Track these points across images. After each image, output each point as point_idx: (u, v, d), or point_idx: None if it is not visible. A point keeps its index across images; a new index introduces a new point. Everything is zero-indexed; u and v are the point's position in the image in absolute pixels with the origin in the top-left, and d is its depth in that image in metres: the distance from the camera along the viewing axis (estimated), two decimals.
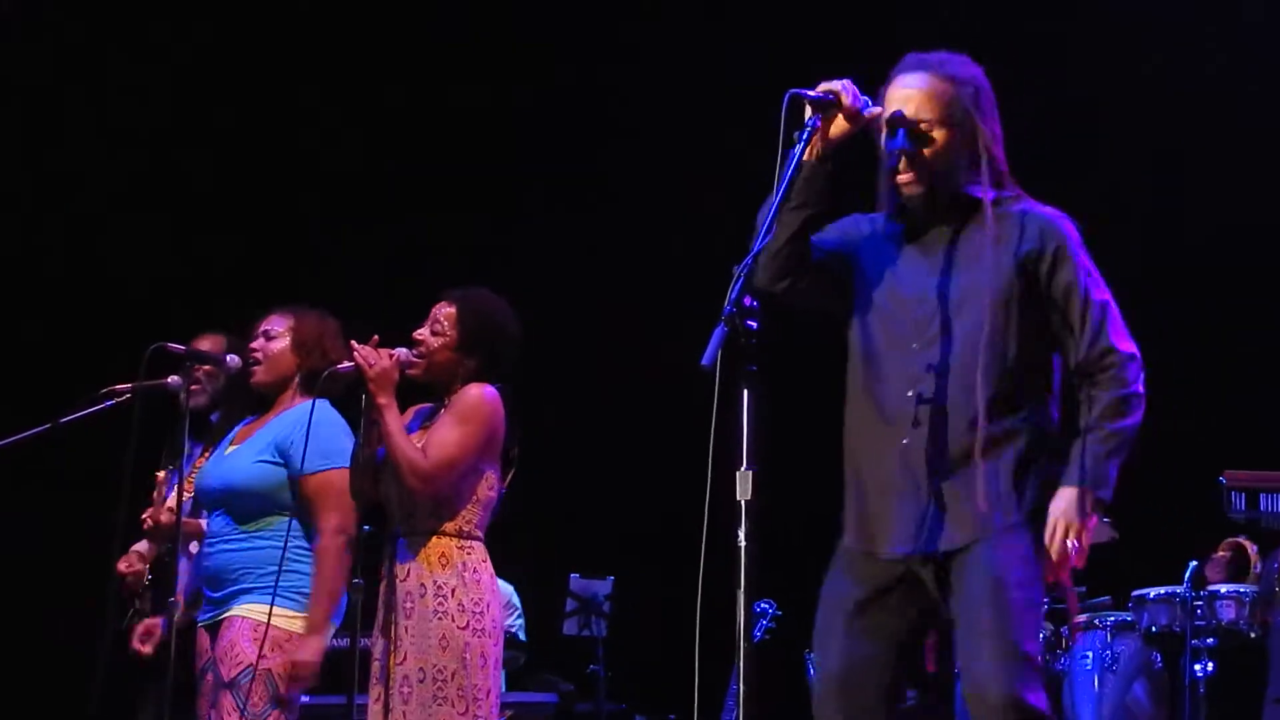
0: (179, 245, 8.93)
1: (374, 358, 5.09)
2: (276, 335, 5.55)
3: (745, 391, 3.60)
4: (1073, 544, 3.82)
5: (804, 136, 3.78)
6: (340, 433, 5.39)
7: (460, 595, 5.09)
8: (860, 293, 4.04)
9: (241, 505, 5.40)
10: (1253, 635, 6.95)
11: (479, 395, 5.16)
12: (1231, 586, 7.02)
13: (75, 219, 8.82)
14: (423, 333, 5.28)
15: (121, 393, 5.77)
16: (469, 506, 5.18)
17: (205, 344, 5.90)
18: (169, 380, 5.71)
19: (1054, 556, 3.82)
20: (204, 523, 5.67)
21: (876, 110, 3.92)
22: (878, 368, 3.98)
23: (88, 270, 8.82)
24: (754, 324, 3.54)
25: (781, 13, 8.36)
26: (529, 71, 8.96)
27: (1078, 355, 3.92)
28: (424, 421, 5.31)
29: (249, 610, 5.31)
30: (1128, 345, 3.93)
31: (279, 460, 5.37)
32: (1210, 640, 6.95)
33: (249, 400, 5.76)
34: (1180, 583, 7.01)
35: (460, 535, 5.16)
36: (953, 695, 7.24)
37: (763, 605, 7.32)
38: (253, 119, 8.97)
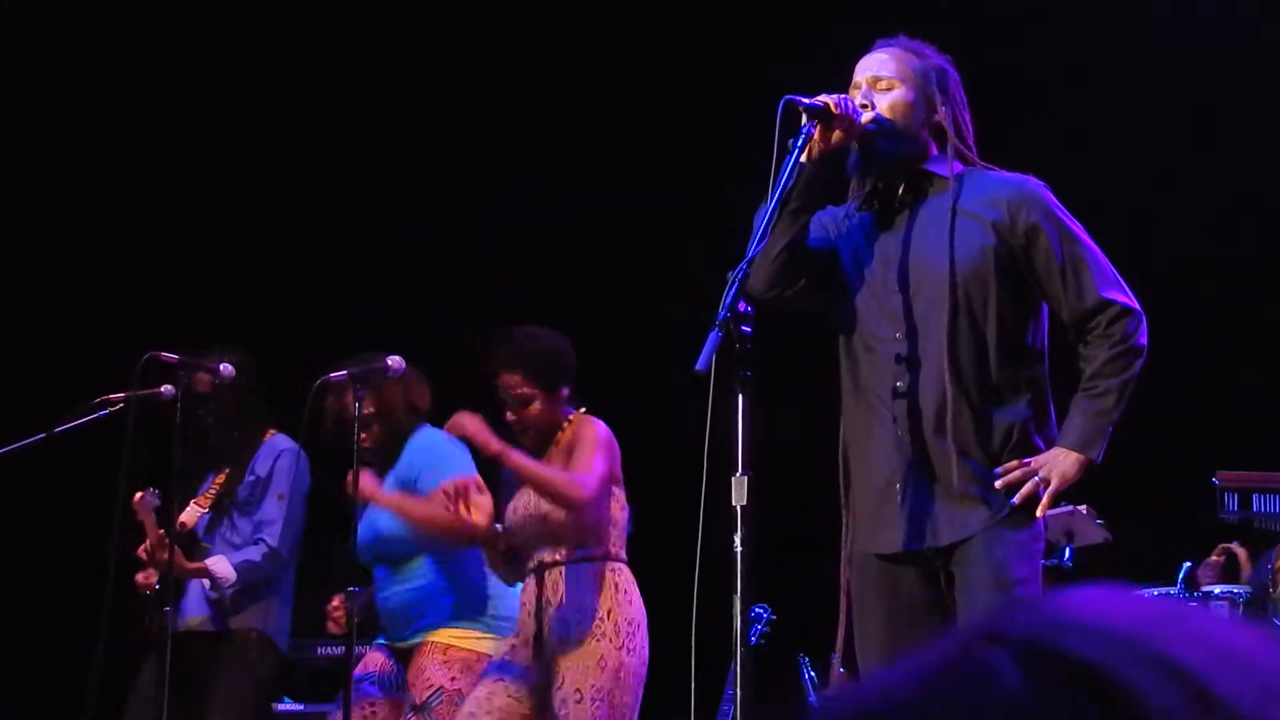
0: (172, 261, 8.92)
1: (476, 428, 5.14)
2: (370, 416, 5.58)
3: (740, 397, 3.60)
4: (1043, 492, 3.79)
5: (799, 142, 3.78)
6: (454, 448, 5.50)
7: (616, 616, 5.22)
8: (843, 288, 4.03)
9: (391, 551, 5.55)
10: None
11: (594, 427, 5.30)
12: (1225, 588, 7.03)
13: (70, 227, 8.81)
14: (511, 416, 5.35)
15: (115, 402, 5.78)
16: (610, 529, 5.32)
17: (212, 357, 5.90)
18: (163, 389, 5.72)
19: (1017, 499, 3.79)
20: (209, 564, 5.73)
21: (869, 117, 3.92)
22: (863, 362, 3.98)
23: (86, 281, 8.80)
24: (748, 329, 3.55)
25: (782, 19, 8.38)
26: (503, 62, 8.96)
27: (1068, 317, 3.89)
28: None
29: (436, 636, 5.52)
30: (1119, 295, 3.88)
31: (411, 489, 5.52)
32: None
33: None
34: (1174, 584, 7.02)
35: (609, 558, 5.30)
36: None
37: (757, 610, 7.31)
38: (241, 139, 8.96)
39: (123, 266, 8.81)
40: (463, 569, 5.58)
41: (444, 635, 5.53)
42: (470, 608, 5.57)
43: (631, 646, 5.20)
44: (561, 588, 5.26)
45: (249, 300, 8.63)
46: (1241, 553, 7.27)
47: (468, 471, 5.41)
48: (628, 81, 8.69)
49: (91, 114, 8.74)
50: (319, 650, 7.16)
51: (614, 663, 5.16)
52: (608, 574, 5.28)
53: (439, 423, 5.47)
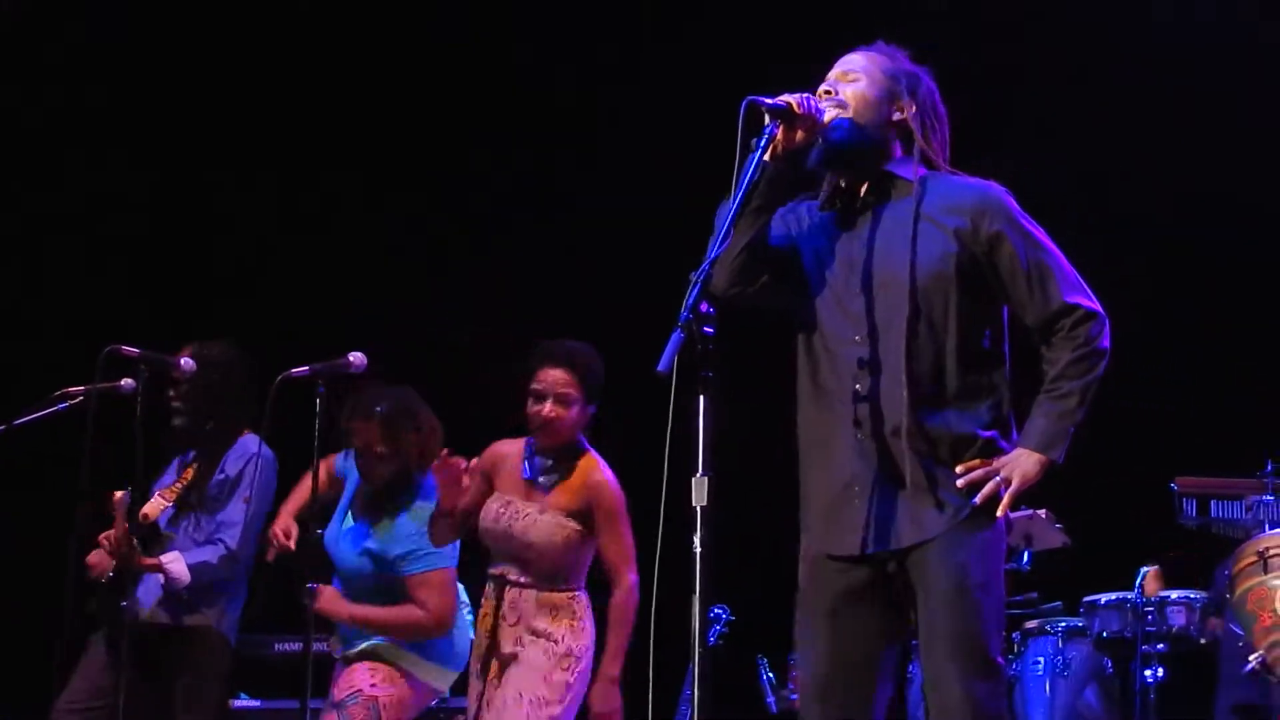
0: (142, 253, 8.89)
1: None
2: (386, 456, 5.63)
3: (701, 398, 3.60)
4: (1004, 492, 3.81)
5: (762, 142, 3.78)
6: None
7: (568, 641, 5.37)
8: (804, 287, 4.02)
9: (358, 587, 5.65)
10: (1202, 641, 7.00)
11: (614, 488, 5.43)
12: (1181, 593, 7.06)
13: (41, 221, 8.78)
14: (550, 409, 5.38)
15: (75, 395, 5.76)
16: (582, 568, 5.50)
17: (186, 353, 5.89)
18: (123, 383, 5.70)
19: (979, 498, 3.80)
20: (164, 562, 5.73)
21: (832, 115, 3.93)
22: (824, 363, 3.97)
23: (46, 275, 8.77)
24: (710, 330, 3.55)
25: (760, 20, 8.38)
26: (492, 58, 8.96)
27: (1032, 321, 3.90)
28: (543, 473, 5.49)
29: (377, 648, 5.62)
30: (1082, 299, 3.90)
31: (386, 568, 5.60)
32: (1161, 646, 6.99)
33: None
34: (1131, 589, 7.05)
35: (572, 589, 5.45)
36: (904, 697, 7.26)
37: (716, 610, 7.31)
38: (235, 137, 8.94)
39: (122, 265, 8.78)
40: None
41: (383, 649, 5.61)
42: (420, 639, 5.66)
43: (576, 670, 5.35)
44: (520, 608, 5.39)
45: (247, 299, 8.61)
46: (1150, 571, 7.31)
47: (448, 564, 5.61)
48: (628, 81, 8.68)
49: (91, 114, 8.71)
50: (276, 646, 7.14)
51: (558, 679, 5.32)
52: (567, 603, 5.41)
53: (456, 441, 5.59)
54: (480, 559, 5.61)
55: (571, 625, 5.38)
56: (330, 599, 5.53)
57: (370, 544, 5.58)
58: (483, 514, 5.46)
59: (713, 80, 8.25)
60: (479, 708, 5.36)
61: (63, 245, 8.70)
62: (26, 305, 8.61)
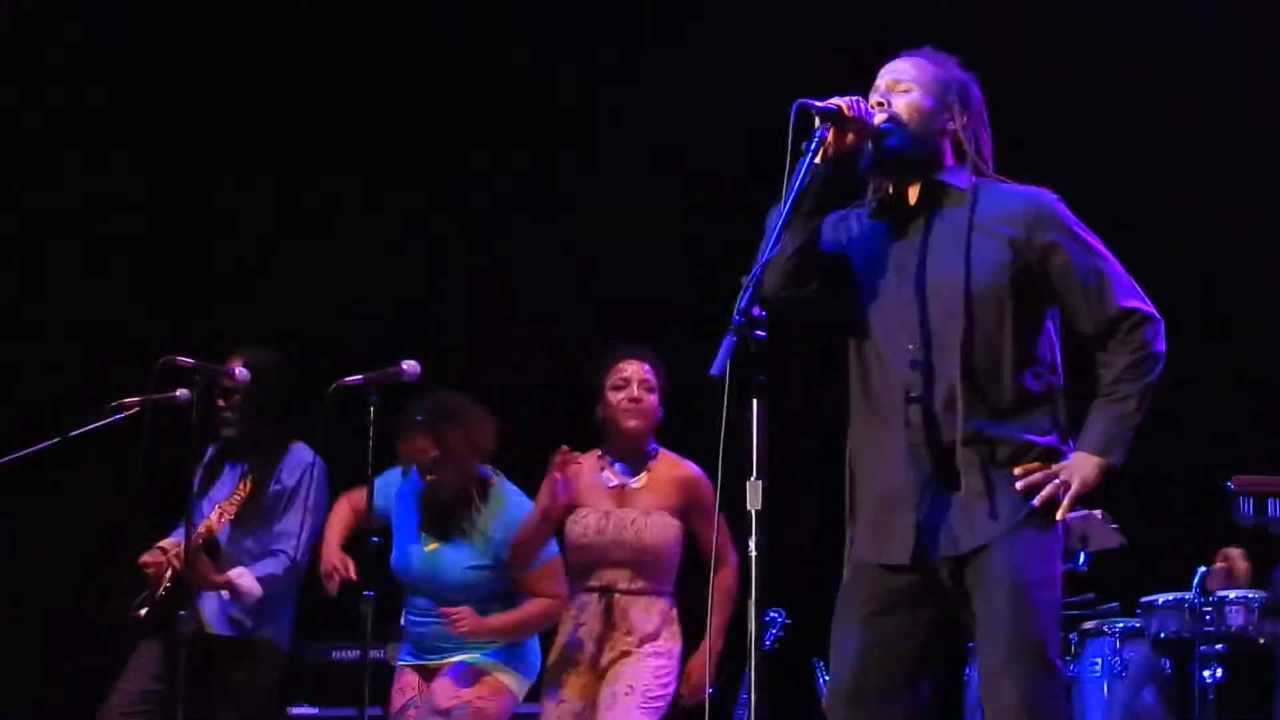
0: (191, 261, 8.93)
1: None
2: (440, 459, 5.72)
3: (754, 401, 3.60)
4: (1063, 495, 3.81)
5: (813, 146, 3.78)
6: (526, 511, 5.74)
7: (670, 644, 5.58)
8: (855, 294, 4.02)
9: (452, 597, 5.71)
10: (1261, 641, 6.95)
11: (706, 479, 5.57)
12: (1239, 593, 7.01)
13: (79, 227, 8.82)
14: (637, 392, 5.55)
15: (130, 406, 5.79)
16: (675, 567, 5.68)
17: (237, 361, 5.92)
18: (178, 393, 5.73)
19: (1038, 500, 3.80)
20: (234, 578, 5.75)
21: (882, 117, 3.93)
22: (875, 370, 3.97)
23: (46, 275, 8.80)
24: (763, 334, 3.55)
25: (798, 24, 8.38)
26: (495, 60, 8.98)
27: (1089, 328, 3.92)
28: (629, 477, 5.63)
29: (467, 658, 5.74)
30: (1138, 303, 3.92)
31: (494, 564, 5.70)
32: (1219, 646, 6.93)
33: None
34: (1188, 589, 7.01)
35: (673, 591, 5.65)
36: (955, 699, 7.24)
37: (772, 614, 7.30)
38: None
39: (121, 268, 8.81)
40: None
41: (481, 662, 5.70)
42: (502, 647, 5.70)
43: (674, 671, 5.55)
44: (632, 617, 5.51)
45: (247, 299, 8.62)
46: (1236, 554, 7.26)
47: (555, 550, 5.70)
48: (628, 81, 8.68)
49: (91, 114, 8.74)
50: (334, 654, 7.17)
51: (664, 678, 5.51)
52: (669, 608, 5.64)
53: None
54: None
55: (672, 630, 5.58)
56: (472, 619, 5.58)
57: (476, 560, 5.63)
58: (576, 530, 5.52)
59: (713, 80, 8.29)
60: (582, 707, 5.43)
61: (63, 245, 8.72)
62: (26, 305, 8.64)
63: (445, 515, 5.72)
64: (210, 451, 6.12)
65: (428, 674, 5.76)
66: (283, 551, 5.91)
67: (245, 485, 5.92)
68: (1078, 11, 8.28)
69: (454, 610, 5.55)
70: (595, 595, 5.52)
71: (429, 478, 5.69)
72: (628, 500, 5.51)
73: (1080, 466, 3.84)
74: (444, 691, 5.64)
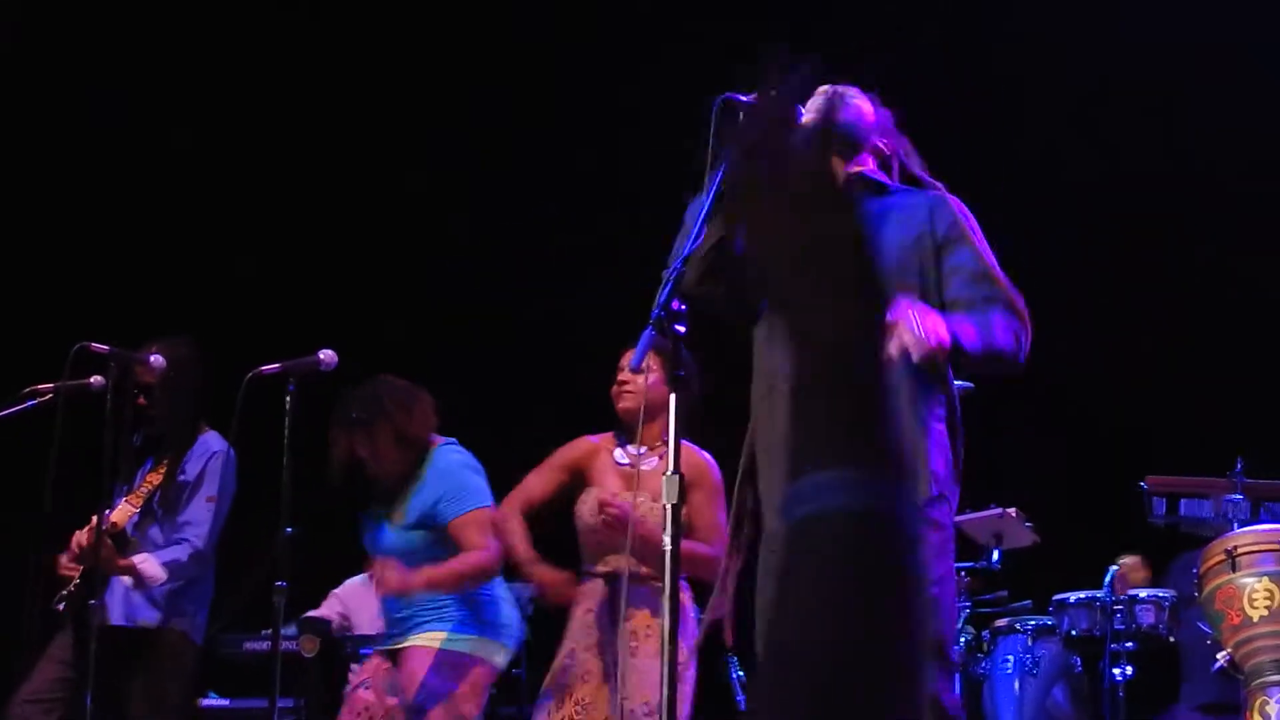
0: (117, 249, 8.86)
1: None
2: (368, 458, 5.66)
3: (672, 396, 3.60)
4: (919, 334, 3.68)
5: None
6: (472, 476, 5.67)
7: (680, 639, 5.30)
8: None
9: (407, 560, 5.59)
10: (1170, 639, 7.01)
11: (714, 466, 5.49)
12: (1150, 591, 7.08)
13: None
14: (627, 379, 5.48)
15: (44, 392, 5.72)
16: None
17: (153, 351, 5.85)
18: (92, 380, 5.66)
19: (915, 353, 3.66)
20: (137, 563, 5.70)
21: (810, 117, 3.93)
22: (758, 363, 4.00)
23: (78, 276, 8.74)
24: (682, 327, 3.55)
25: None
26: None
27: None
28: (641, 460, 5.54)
29: (426, 639, 5.60)
30: (1019, 307, 3.90)
31: (418, 523, 5.59)
32: (1129, 644, 7.00)
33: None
34: (1100, 587, 7.07)
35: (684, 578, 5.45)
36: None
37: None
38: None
39: (35, 253, 8.75)
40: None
41: (433, 638, 5.59)
42: (467, 612, 5.63)
43: (690, 669, 5.40)
44: (650, 601, 5.39)
45: (247, 299, 8.59)
46: (1131, 563, 7.34)
47: (485, 502, 5.59)
48: (628, 81, 8.69)
49: (79, 113, 8.68)
50: (245, 645, 7.12)
51: (684, 657, 5.31)
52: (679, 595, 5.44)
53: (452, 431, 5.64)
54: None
55: (683, 620, 5.41)
56: (397, 574, 5.49)
57: (409, 517, 5.59)
58: (584, 511, 5.50)
59: (713, 80, 8.30)
60: (614, 675, 5.39)
61: (33, 242, 8.66)
62: None
63: (391, 491, 5.71)
64: (137, 441, 6.06)
65: (393, 658, 5.72)
66: (186, 540, 5.85)
67: (153, 477, 5.88)
68: (1078, 11, 8.30)
69: (372, 568, 5.53)
70: (600, 580, 5.48)
71: (369, 471, 5.67)
72: (640, 483, 5.48)
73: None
74: (410, 684, 5.60)
